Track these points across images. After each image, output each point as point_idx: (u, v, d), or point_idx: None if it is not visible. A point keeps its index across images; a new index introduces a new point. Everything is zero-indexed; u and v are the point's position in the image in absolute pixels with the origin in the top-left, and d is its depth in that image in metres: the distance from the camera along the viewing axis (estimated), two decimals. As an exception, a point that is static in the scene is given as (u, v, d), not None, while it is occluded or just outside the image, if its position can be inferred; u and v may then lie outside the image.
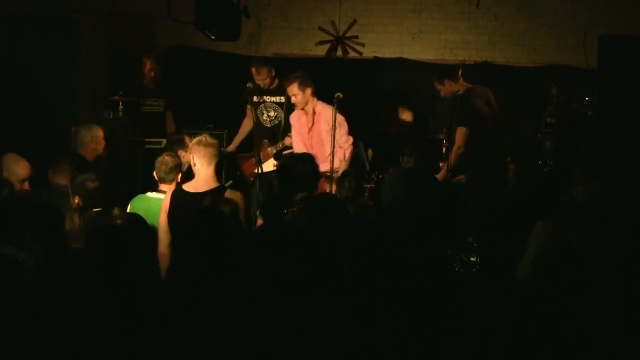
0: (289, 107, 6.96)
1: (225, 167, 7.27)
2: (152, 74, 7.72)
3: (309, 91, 6.50)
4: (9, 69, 6.84)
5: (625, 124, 6.58)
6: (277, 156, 6.89)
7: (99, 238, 3.63)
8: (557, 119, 7.02)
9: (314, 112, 6.58)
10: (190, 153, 4.76)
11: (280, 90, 6.98)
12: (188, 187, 4.67)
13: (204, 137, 4.66)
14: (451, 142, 6.51)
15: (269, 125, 7.04)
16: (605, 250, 3.91)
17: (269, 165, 6.85)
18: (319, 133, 6.62)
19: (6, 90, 6.78)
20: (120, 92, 7.31)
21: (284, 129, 6.98)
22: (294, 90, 6.46)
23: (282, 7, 8.88)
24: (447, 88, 6.54)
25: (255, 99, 7.02)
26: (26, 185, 5.08)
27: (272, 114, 7.00)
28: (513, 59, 8.34)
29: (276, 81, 7.03)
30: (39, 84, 6.82)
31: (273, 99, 7.04)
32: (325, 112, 6.52)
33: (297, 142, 6.71)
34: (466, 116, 6.34)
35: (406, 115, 7.51)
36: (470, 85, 6.54)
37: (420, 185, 5.93)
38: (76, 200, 4.80)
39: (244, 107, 7.19)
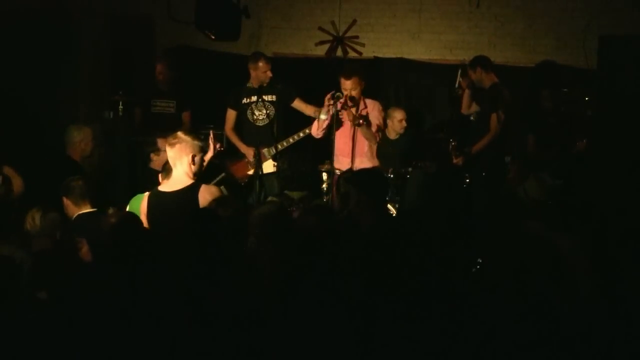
0: (280, 105, 6.90)
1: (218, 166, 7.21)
2: (161, 77, 7.65)
3: (362, 87, 6.43)
4: (9, 69, 6.85)
5: (624, 123, 6.60)
6: (274, 157, 6.81)
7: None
8: (543, 122, 7.02)
9: (367, 108, 6.54)
10: None
11: (273, 89, 6.91)
12: (163, 187, 4.68)
13: (171, 136, 4.63)
14: (450, 138, 6.57)
15: (260, 125, 6.91)
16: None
17: (266, 167, 6.75)
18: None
19: (6, 90, 6.79)
20: (120, 92, 7.31)
21: (278, 127, 6.87)
22: (353, 84, 6.30)
23: (282, 7, 8.88)
24: (476, 76, 6.63)
25: (245, 99, 6.94)
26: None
27: (264, 112, 6.90)
28: (513, 59, 8.33)
29: (267, 80, 6.94)
30: (39, 83, 6.83)
31: (266, 97, 6.93)
32: (371, 108, 6.53)
33: (339, 137, 6.63)
34: (503, 103, 6.46)
35: (397, 114, 7.50)
36: (498, 81, 6.62)
37: (446, 188, 5.90)
38: (66, 202, 4.83)
39: (234, 108, 7.05)
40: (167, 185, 4.65)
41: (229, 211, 4.25)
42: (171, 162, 4.61)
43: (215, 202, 4.35)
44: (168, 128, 7.45)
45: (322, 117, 6.25)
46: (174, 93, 7.69)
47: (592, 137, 6.80)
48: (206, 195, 4.48)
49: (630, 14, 7.90)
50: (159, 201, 4.54)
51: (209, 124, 7.48)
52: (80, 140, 6.14)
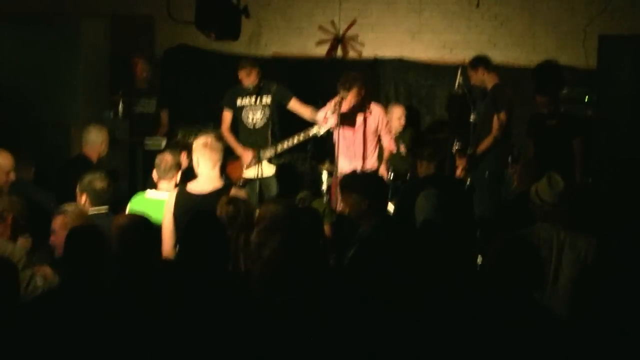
0: (275, 107, 6.87)
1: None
2: (145, 74, 7.68)
3: (364, 92, 6.46)
4: (9, 69, 6.87)
5: (624, 123, 6.60)
6: (270, 160, 6.74)
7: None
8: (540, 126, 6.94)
9: (370, 112, 6.56)
10: (194, 154, 4.71)
11: (268, 90, 6.87)
12: (192, 188, 4.65)
13: (210, 141, 4.65)
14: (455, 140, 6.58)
15: (253, 127, 6.86)
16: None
17: (266, 169, 6.66)
18: (366, 132, 6.58)
19: (6, 90, 6.80)
20: (120, 92, 7.31)
21: (273, 129, 6.78)
22: (353, 93, 6.35)
23: (282, 7, 8.88)
24: (478, 76, 6.63)
25: (240, 101, 6.91)
26: (12, 176, 5.08)
27: (258, 115, 6.86)
28: (513, 59, 8.33)
29: (262, 82, 6.85)
30: (39, 83, 6.84)
31: (262, 99, 6.88)
32: (376, 112, 6.57)
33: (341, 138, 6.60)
34: (506, 104, 6.47)
35: (396, 112, 7.50)
36: (500, 82, 6.61)
37: (452, 194, 5.81)
38: (83, 199, 4.80)
39: (229, 108, 7.00)
40: (197, 187, 4.65)
41: (236, 211, 4.22)
42: (203, 165, 4.62)
43: (227, 200, 4.33)
44: (150, 127, 7.49)
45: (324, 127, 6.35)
46: (154, 90, 7.69)
47: (592, 137, 6.79)
48: None
49: (630, 14, 7.90)
50: (187, 203, 4.51)
51: (208, 124, 7.50)
52: (101, 142, 6.21)
